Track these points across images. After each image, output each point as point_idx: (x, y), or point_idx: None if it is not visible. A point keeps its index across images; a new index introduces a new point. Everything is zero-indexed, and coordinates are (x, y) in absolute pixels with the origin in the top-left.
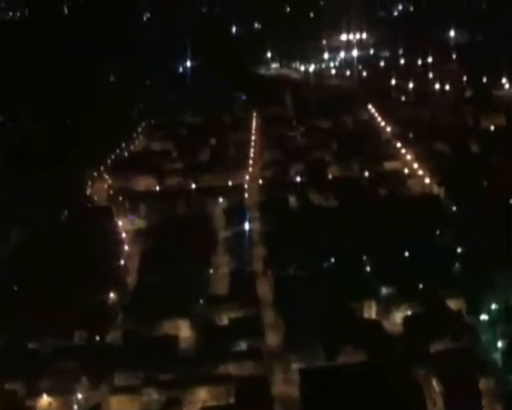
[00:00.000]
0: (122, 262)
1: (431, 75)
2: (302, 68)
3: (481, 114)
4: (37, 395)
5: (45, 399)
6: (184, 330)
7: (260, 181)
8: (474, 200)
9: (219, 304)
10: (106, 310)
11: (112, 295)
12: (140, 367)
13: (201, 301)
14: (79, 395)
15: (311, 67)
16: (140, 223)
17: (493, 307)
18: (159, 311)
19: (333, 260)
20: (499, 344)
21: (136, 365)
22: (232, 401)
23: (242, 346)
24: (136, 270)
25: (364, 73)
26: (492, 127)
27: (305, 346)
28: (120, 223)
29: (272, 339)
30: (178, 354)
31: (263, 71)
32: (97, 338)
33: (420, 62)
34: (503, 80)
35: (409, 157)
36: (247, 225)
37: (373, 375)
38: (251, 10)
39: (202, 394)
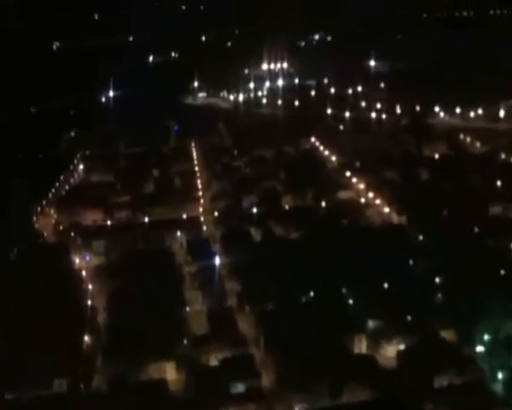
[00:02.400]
0: (89, 302)
1: (364, 104)
2: (231, 97)
3: (422, 142)
4: None
5: None
6: (171, 373)
7: (216, 213)
8: (437, 228)
9: (205, 344)
10: (84, 354)
11: (86, 337)
12: None
13: (185, 342)
14: None
15: (240, 96)
16: (96, 260)
17: (486, 337)
18: (141, 353)
19: (312, 293)
20: (499, 376)
21: None
22: None
23: (240, 388)
24: (106, 310)
25: (296, 102)
26: (436, 155)
27: (306, 385)
28: (77, 260)
29: (268, 379)
30: (172, 399)
31: (190, 100)
32: (81, 386)
33: (350, 91)
34: (436, 109)
35: (361, 186)
36: (212, 259)
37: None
38: (167, 40)
39: None
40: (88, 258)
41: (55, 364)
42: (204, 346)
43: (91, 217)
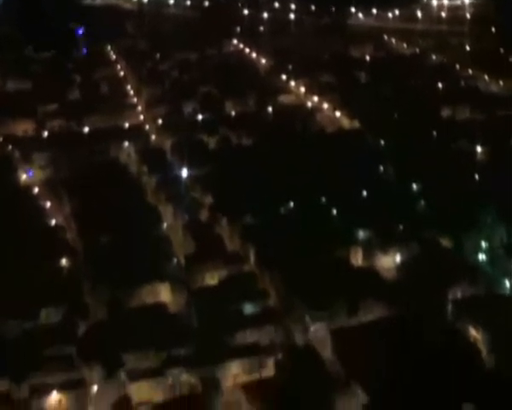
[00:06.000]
0: (54, 222)
1: (277, 4)
2: None
3: (349, 43)
4: (43, 392)
5: (54, 396)
6: (167, 295)
7: (160, 121)
8: (396, 133)
9: (198, 263)
10: (66, 280)
11: (64, 261)
12: (147, 344)
13: (175, 262)
14: (94, 388)
15: None
16: (40, 174)
17: (483, 244)
18: (130, 277)
19: (291, 204)
20: (507, 284)
21: (139, 342)
22: (267, 372)
23: (248, 309)
24: (74, 230)
25: (206, 3)
26: (367, 57)
27: (318, 303)
28: (24, 176)
29: (276, 298)
30: (180, 324)
31: (88, 1)
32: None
33: None
34: (352, 9)
35: (302, 90)
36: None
37: (410, 327)
38: None
39: (234, 368)
40: (31, 173)
41: (37, 293)
42: (197, 265)
43: (22, 128)
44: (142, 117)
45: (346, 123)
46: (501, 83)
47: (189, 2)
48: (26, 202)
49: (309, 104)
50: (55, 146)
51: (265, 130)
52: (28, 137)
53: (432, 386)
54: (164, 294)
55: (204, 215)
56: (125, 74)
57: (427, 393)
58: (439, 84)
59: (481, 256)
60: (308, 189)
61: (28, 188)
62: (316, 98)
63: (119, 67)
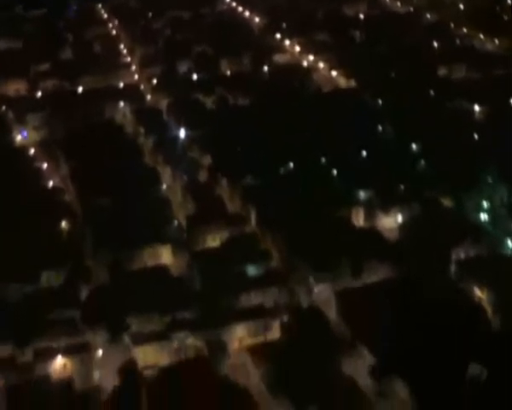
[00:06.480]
0: (51, 184)
1: None
2: None
3: (342, 2)
4: (47, 356)
5: (59, 361)
6: (168, 258)
7: (155, 80)
8: (393, 92)
9: (199, 225)
10: (69, 243)
11: (64, 224)
12: (151, 308)
13: (176, 223)
14: (99, 352)
15: None
16: (35, 135)
17: (485, 204)
18: (132, 239)
19: (291, 164)
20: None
21: (142, 305)
22: (273, 335)
23: (251, 270)
24: (72, 192)
25: None
26: (361, 15)
27: (321, 264)
28: (19, 137)
29: (278, 260)
30: (182, 287)
31: None
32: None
33: None
34: None
35: (297, 49)
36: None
37: (415, 288)
38: None
39: (239, 331)
40: (25, 134)
41: (37, 256)
42: (199, 227)
43: (14, 87)
44: (136, 76)
45: (342, 82)
46: (496, 41)
47: None
48: (23, 164)
49: (305, 63)
50: (48, 106)
51: (262, 90)
52: (21, 97)
53: (438, 346)
54: (165, 256)
55: (203, 176)
56: (117, 33)
57: (434, 353)
58: (435, 43)
59: (483, 216)
60: (307, 149)
61: (24, 149)
62: (311, 57)
63: (111, 25)
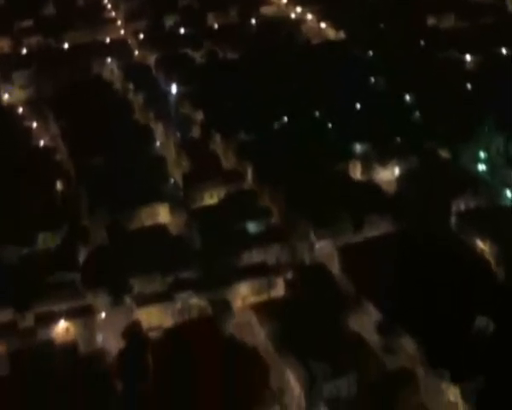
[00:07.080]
0: (42, 143)
1: None
2: None
3: None
4: (49, 321)
5: (61, 325)
6: (166, 216)
7: (141, 35)
8: (383, 43)
9: (195, 182)
10: (65, 203)
11: (58, 184)
12: (151, 268)
13: (172, 181)
14: (102, 314)
15: None
16: (21, 94)
17: (481, 155)
18: (127, 198)
19: (285, 118)
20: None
21: (143, 266)
22: (277, 293)
23: (252, 228)
24: (67, 152)
25: None
26: None
27: (325, 219)
28: (6, 96)
29: (278, 216)
30: (182, 246)
31: None
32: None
33: None
34: None
35: (284, 0)
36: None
37: (417, 241)
38: None
39: (243, 289)
40: (12, 93)
41: (32, 218)
42: (195, 184)
43: None
44: (122, 31)
45: (331, 34)
46: None
47: None
48: (12, 123)
49: (292, 15)
50: (34, 64)
51: (250, 43)
52: (6, 54)
53: (444, 300)
54: (163, 215)
55: (196, 132)
56: None
57: (440, 307)
58: None
59: (481, 167)
60: (300, 103)
61: (12, 108)
62: (299, 9)
63: None
